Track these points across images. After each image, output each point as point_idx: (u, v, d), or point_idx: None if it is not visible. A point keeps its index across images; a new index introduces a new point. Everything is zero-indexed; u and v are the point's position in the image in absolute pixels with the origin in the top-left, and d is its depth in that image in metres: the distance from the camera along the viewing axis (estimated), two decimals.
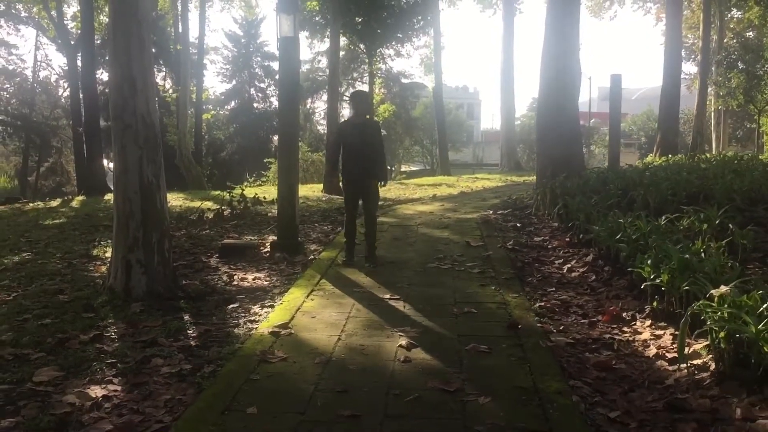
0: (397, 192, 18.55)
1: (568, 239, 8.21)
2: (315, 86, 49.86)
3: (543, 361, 4.35)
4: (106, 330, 5.08)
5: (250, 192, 13.71)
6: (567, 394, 3.80)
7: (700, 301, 4.09)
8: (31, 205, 17.34)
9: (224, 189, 13.65)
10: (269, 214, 11.41)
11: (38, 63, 38.56)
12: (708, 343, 4.11)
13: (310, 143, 45.31)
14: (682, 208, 7.34)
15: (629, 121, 58.99)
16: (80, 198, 18.65)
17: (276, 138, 47.47)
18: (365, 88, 34.09)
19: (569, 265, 7.20)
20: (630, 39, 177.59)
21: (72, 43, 23.98)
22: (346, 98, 47.65)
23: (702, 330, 4.03)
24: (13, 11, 30.93)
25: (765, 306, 3.81)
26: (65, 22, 25.71)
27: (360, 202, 7.50)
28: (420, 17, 26.74)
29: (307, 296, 5.98)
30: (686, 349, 4.33)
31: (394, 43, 27.54)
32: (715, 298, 4.01)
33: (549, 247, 8.21)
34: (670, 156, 17.83)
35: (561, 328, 5.17)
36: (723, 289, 4.02)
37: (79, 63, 22.36)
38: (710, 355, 4.09)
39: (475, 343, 4.62)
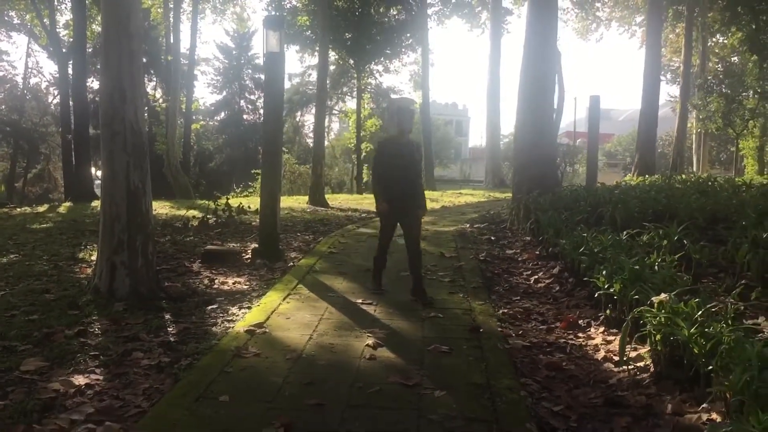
0: None
1: (537, 252, 8.56)
2: (305, 99, 50.37)
3: (499, 361, 4.68)
4: (90, 326, 5.36)
5: (235, 202, 13.99)
6: (516, 389, 4.12)
7: (641, 307, 4.43)
8: (18, 210, 17.54)
9: (211, 198, 13.94)
10: (253, 223, 11.69)
11: (29, 70, 38.81)
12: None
13: (298, 156, 45.73)
14: (645, 224, 7.70)
15: (615, 141, 59.77)
16: (67, 204, 18.84)
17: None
18: (353, 102, 34.56)
19: (536, 277, 7.55)
20: (619, 61, 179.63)
21: (64, 51, 24.22)
22: (336, 113, 48.26)
23: (642, 333, 4.37)
24: (6, 18, 31.15)
25: (700, 313, 4.16)
26: (57, 30, 25.96)
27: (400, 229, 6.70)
28: (409, 34, 27.26)
29: (284, 299, 6.29)
30: (633, 353, 4.70)
31: (382, 59, 28.01)
32: (655, 305, 4.35)
33: (519, 259, 8.56)
34: (647, 176, 18.30)
35: (520, 332, 5.51)
36: (662, 296, 4.37)
37: (70, 71, 22.61)
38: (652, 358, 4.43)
39: (438, 344, 4.94)
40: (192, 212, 13.77)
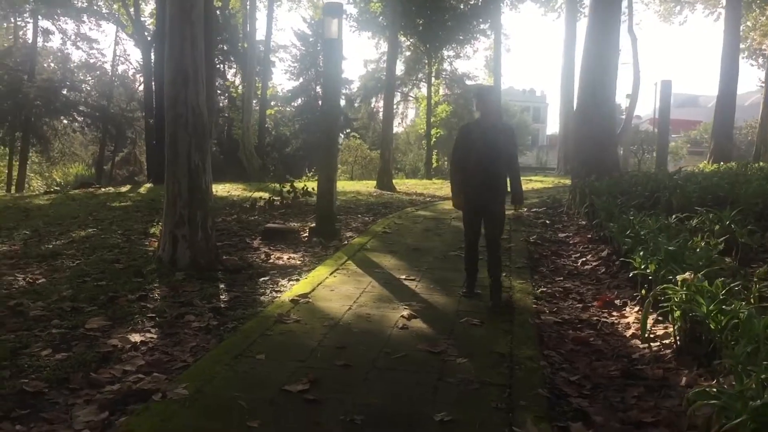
0: (447, 190, 19.12)
1: (589, 236, 8.60)
2: (380, 86, 50.52)
3: (526, 334, 4.85)
4: (151, 292, 5.84)
5: (302, 185, 14.44)
6: (537, 359, 4.31)
7: (664, 285, 4.52)
8: (102, 190, 18.59)
9: (283, 181, 14.45)
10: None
11: (117, 57, 40.52)
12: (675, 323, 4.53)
13: (373, 142, 46.16)
14: (697, 209, 7.64)
15: (701, 129, 57.60)
16: (148, 185, 19.81)
17: (340, 135, 48.61)
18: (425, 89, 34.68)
19: (584, 259, 7.62)
20: (708, 46, 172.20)
21: (148, 39, 25.29)
22: (411, 98, 48.29)
23: (663, 310, 4.47)
24: (95, 7, 32.73)
25: (724, 291, 4.22)
26: (142, 19, 27.11)
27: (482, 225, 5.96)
28: (481, 19, 27.13)
29: (331, 273, 6.62)
30: (661, 330, 4.80)
31: (454, 44, 28.00)
32: (679, 283, 4.43)
33: (570, 242, 8.63)
34: (721, 163, 17.76)
35: (555, 309, 5.65)
36: (687, 275, 4.44)
37: (153, 58, 23.61)
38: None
39: (470, 317, 5.16)
40: (261, 194, 14.30)
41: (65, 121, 38.20)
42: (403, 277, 6.59)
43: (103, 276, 6.38)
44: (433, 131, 28.23)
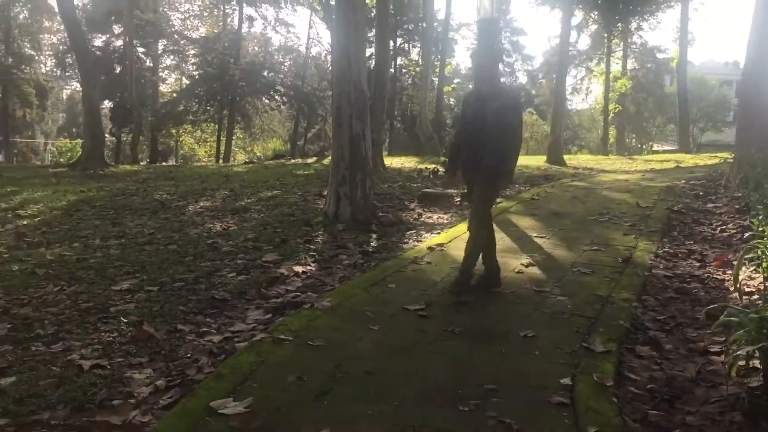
0: (619, 164, 19.20)
1: (738, 206, 8.63)
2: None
3: (630, 282, 5.38)
4: (315, 238, 7.04)
5: None
6: (630, 301, 4.86)
7: (756, 240, 4.86)
8: (292, 161, 20.66)
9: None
10: None
11: (310, 40, 43.53)
12: None
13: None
14: None
15: None
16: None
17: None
18: (616, 64, 33.43)
19: (724, 227, 7.77)
20: None
21: None
22: (595, 73, 46.87)
23: (756, 263, 4.82)
24: None
25: None
26: (332, 3, 29.08)
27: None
28: None
29: None
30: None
31: (636, 17, 27.16)
32: None
33: (717, 212, 8.70)
34: None
35: (671, 266, 6.05)
36: None
37: None
38: None
39: (582, 268, 5.75)
40: (430, 165, 15.31)
41: (265, 100, 41.70)
42: (535, 234, 7.25)
43: (280, 225, 7.69)
44: (611, 106, 27.69)
